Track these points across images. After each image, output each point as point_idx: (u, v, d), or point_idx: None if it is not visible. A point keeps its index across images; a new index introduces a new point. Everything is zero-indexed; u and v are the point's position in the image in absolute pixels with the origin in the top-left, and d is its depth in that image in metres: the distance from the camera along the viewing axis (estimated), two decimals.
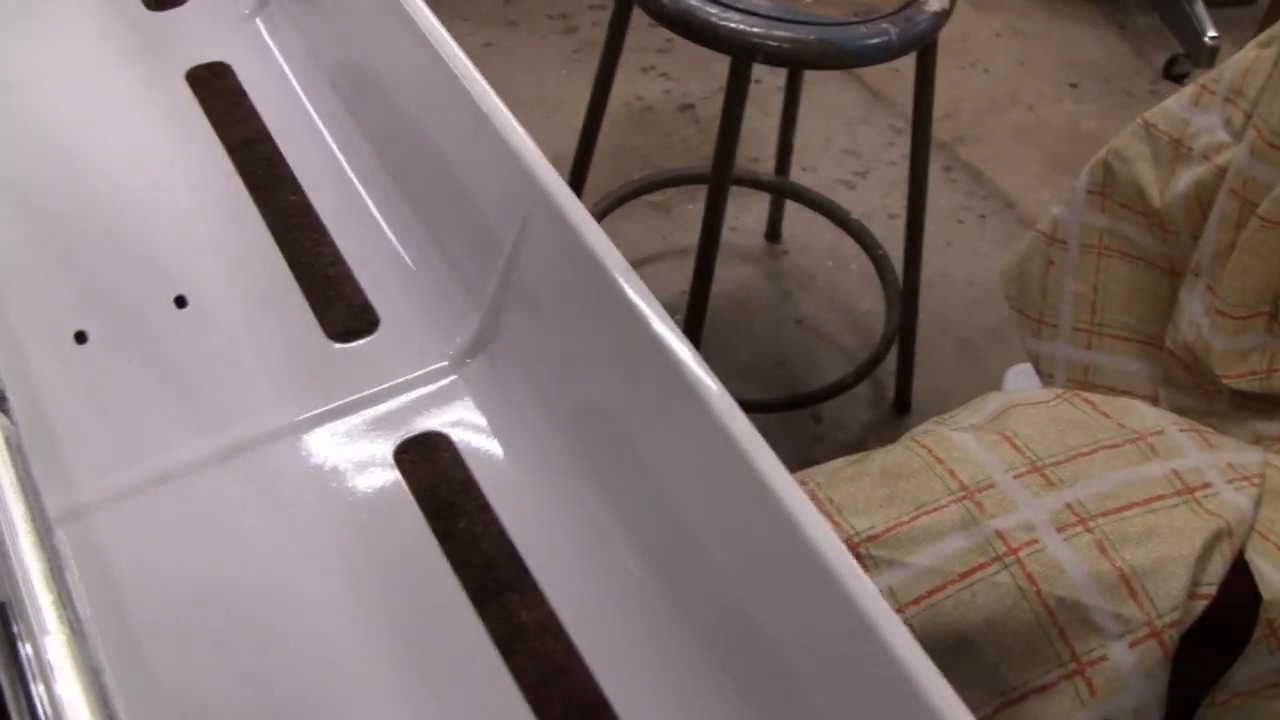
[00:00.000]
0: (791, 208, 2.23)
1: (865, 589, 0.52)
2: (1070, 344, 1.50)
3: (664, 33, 1.51)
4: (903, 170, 2.41)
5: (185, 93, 0.87)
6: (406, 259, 0.77)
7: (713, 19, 1.49)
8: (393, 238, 0.78)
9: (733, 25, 1.48)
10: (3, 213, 0.78)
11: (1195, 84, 1.32)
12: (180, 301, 0.74)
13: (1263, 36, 1.26)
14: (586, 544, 0.64)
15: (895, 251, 2.00)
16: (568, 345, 0.67)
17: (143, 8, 0.94)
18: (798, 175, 2.29)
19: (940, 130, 2.49)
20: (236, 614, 0.62)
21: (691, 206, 2.29)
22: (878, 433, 2.02)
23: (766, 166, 2.24)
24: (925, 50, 1.65)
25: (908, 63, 1.70)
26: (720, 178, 1.64)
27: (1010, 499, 0.99)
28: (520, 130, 0.67)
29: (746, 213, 2.29)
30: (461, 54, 0.74)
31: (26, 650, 0.56)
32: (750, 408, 1.84)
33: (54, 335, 0.72)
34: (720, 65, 1.56)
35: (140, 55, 0.89)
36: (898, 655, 0.51)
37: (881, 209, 2.35)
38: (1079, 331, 1.48)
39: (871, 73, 2.60)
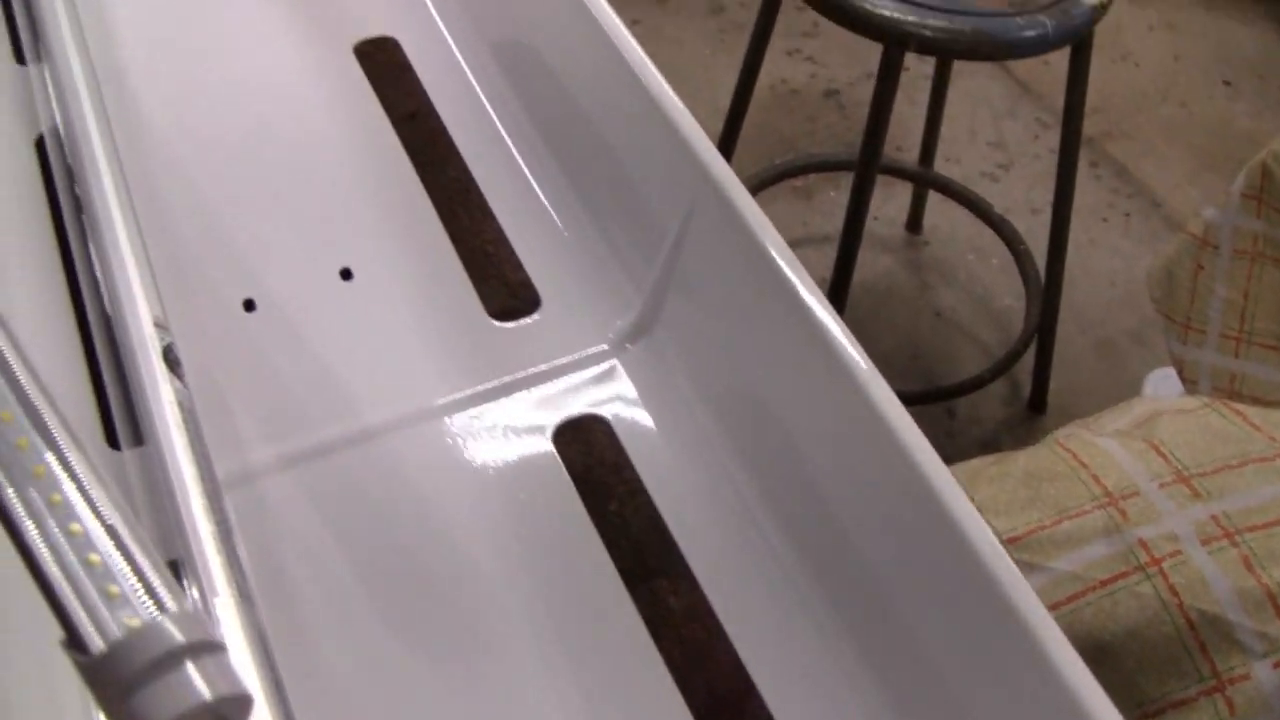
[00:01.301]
0: (933, 198, 2.22)
1: (1021, 588, 0.52)
2: (1218, 351, 1.47)
3: (811, 16, 1.50)
4: (1048, 165, 2.38)
5: (353, 66, 0.88)
6: (569, 239, 0.78)
7: (867, 5, 1.48)
8: (555, 217, 0.79)
9: (887, 13, 1.47)
10: (178, 179, 0.81)
11: None
12: (346, 274, 0.76)
13: None
14: (739, 531, 0.65)
15: (1036, 246, 1.97)
16: (729, 334, 0.68)
17: None
18: (941, 166, 2.27)
19: (1087, 124, 2.43)
20: (394, 585, 0.64)
21: (834, 193, 2.28)
22: (1012, 430, 2.00)
23: (910, 155, 2.22)
24: (1080, 44, 1.62)
25: (1058, 54, 1.67)
26: (867, 166, 1.63)
27: (1155, 508, 0.97)
28: (689, 116, 0.68)
29: (889, 202, 2.27)
30: (631, 38, 0.75)
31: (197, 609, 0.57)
32: None
33: (224, 302, 0.74)
34: (867, 51, 1.54)
35: (309, 27, 0.91)
36: (1048, 652, 0.51)
37: (1024, 203, 2.32)
38: (1227, 339, 1.46)
39: (1020, 63, 2.57)
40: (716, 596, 0.63)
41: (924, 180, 2.18)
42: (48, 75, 0.84)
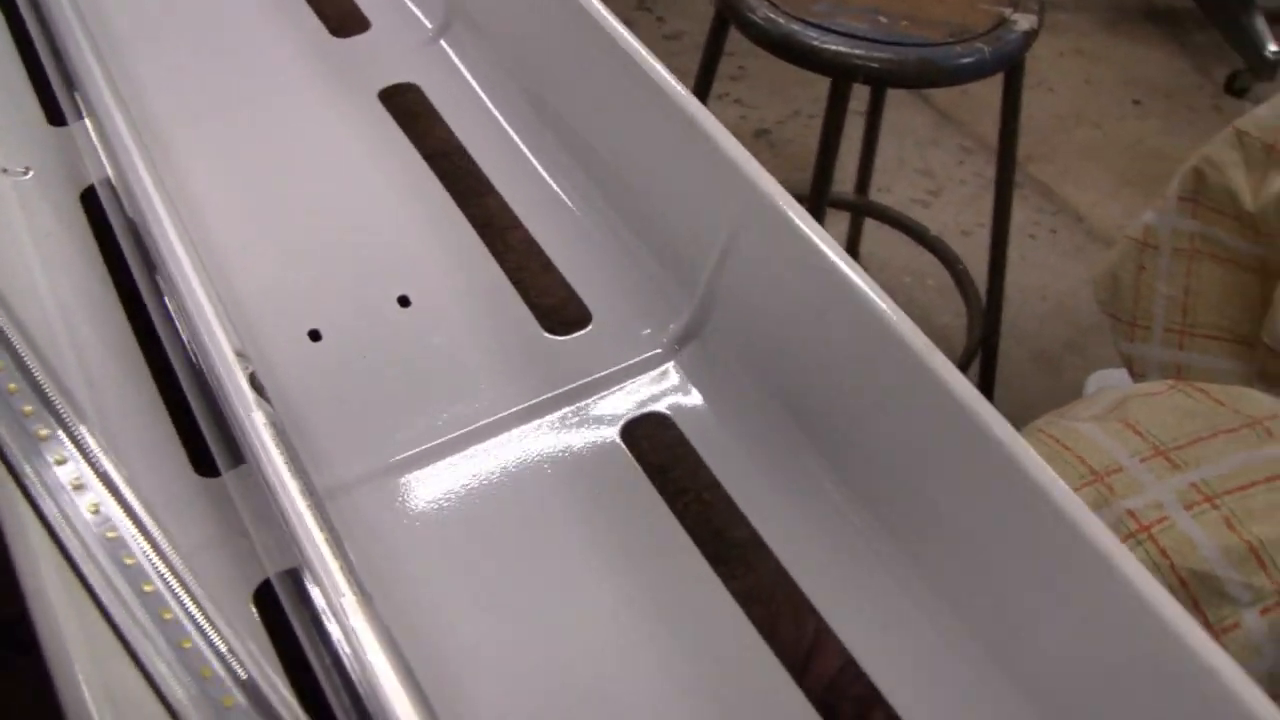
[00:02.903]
0: (868, 226, 2.30)
1: (1097, 528, 0.58)
2: (1163, 345, 1.56)
3: (738, 60, 1.56)
4: (974, 189, 2.49)
5: (380, 110, 0.94)
6: (613, 255, 0.83)
7: (814, 42, 1.55)
8: (597, 237, 0.85)
9: (834, 48, 1.55)
10: (225, 225, 0.85)
11: None
12: (404, 301, 0.81)
13: None
14: (804, 502, 0.71)
15: (971, 267, 2.06)
16: (778, 326, 0.74)
17: (327, 34, 1.01)
18: (873, 195, 2.36)
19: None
20: (490, 575, 0.69)
21: None
22: None
23: (841, 187, 2.31)
24: (1014, 69, 1.71)
25: (976, 85, 1.77)
26: (819, 197, 1.71)
27: (1138, 481, 1.05)
28: (724, 130, 0.75)
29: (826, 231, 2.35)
30: (659, 63, 0.81)
31: (324, 611, 0.62)
32: None
33: (291, 335, 0.79)
34: (794, 90, 1.60)
35: (332, 79, 0.97)
36: (1137, 588, 0.57)
37: (955, 226, 2.41)
38: (1171, 333, 1.54)
39: (940, 94, 2.68)
40: (792, 564, 0.69)
41: (861, 209, 2.26)
42: (92, 131, 0.89)
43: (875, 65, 1.55)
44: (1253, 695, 0.52)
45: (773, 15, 1.58)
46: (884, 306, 0.66)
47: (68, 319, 0.81)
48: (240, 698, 0.61)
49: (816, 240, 0.70)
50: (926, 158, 2.56)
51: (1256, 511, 1.02)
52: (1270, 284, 1.43)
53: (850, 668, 0.65)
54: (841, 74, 1.59)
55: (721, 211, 0.76)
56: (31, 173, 0.91)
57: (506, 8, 0.94)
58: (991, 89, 1.74)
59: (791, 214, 0.71)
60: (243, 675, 0.62)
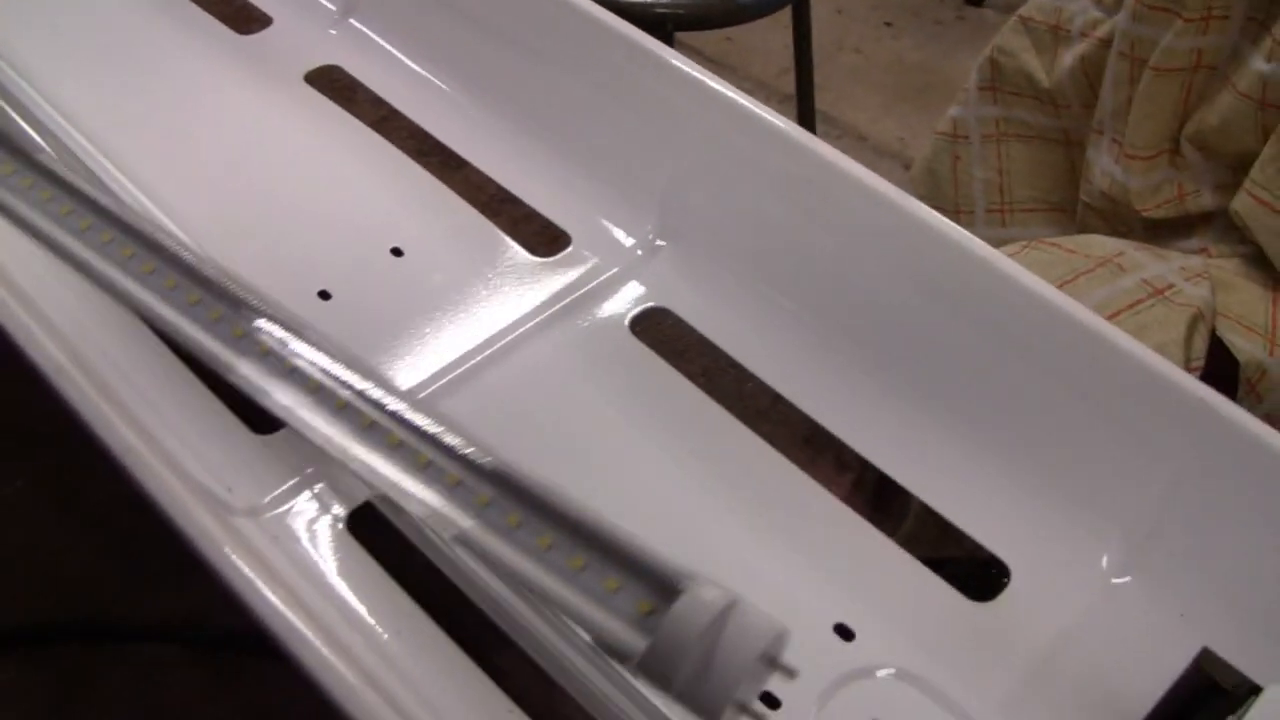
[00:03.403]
0: None
1: (1084, 313, 0.70)
2: (986, 225, 1.71)
3: None
4: None
5: (311, 92, 0.99)
6: (574, 176, 0.91)
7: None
8: (553, 163, 0.92)
9: (640, 0, 1.66)
10: (215, 220, 0.89)
11: None
12: (397, 252, 0.88)
13: None
14: (811, 358, 0.81)
15: None
16: (754, 209, 0.83)
17: (233, 33, 1.06)
18: None
19: (783, 84, 2.70)
20: (550, 470, 0.76)
21: None
22: None
23: None
24: None
25: (738, 31, 1.87)
26: None
27: None
28: (658, 44, 0.85)
29: None
30: None
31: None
32: None
33: (302, 298, 0.85)
34: None
35: (253, 72, 1.01)
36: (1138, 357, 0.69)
37: None
38: (993, 212, 1.69)
39: (710, 44, 2.80)
40: (815, 410, 0.79)
41: None
42: (45, 145, 0.92)
43: (682, 12, 1.66)
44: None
45: None
46: (842, 163, 0.77)
47: (76, 325, 0.85)
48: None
49: (773, 120, 0.80)
50: None
51: (1129, 333, 1.16)
52: (1075, 151, 1.59)
53: (878, 476, 0.76)
54: (652, 24, 1.69)
55: (672, 114, 0.85)
56: None
57: None
58: (752, 33, 1.86)
59: (743, 102, 0.82)
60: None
